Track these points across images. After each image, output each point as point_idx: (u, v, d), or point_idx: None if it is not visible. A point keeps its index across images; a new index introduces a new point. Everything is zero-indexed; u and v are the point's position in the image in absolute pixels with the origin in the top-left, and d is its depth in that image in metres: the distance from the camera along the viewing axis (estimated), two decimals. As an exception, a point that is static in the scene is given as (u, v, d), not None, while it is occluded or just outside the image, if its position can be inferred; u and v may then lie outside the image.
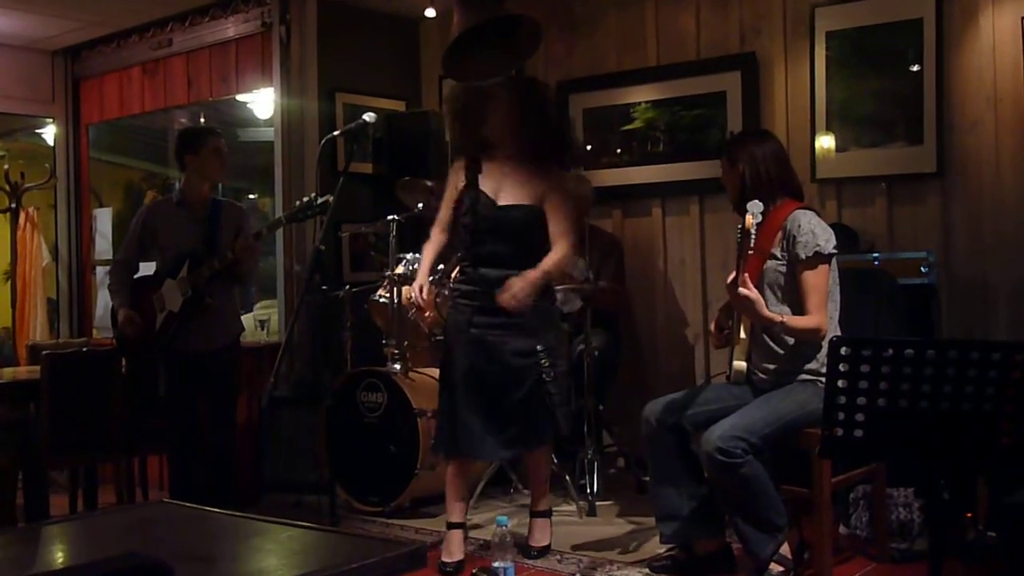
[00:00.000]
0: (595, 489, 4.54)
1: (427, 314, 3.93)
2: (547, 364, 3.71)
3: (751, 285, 3.26)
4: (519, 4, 4.64)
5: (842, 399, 2.35)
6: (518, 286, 3.61)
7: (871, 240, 4.54)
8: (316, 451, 4.72)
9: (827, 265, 3.37)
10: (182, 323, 4.44)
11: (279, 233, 5.31)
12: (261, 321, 5.98)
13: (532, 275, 3.64)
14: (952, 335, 4.26)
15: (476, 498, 4.60)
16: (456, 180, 3.89)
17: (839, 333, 3.37)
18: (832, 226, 3.53)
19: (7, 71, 6.28)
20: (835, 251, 3.38)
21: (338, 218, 5.25)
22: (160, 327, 4.50)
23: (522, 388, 3.70)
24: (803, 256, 3.34)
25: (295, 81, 5.43)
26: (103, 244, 6.49)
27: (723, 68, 4.99)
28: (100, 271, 6.37)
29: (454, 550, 3.78)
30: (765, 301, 3.32)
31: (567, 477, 4.53)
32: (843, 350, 2.33)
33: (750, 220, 3.18)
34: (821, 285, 3.34)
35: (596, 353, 4.68)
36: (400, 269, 4.69)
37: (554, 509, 4.09)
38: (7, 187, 6.44)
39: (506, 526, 3.03)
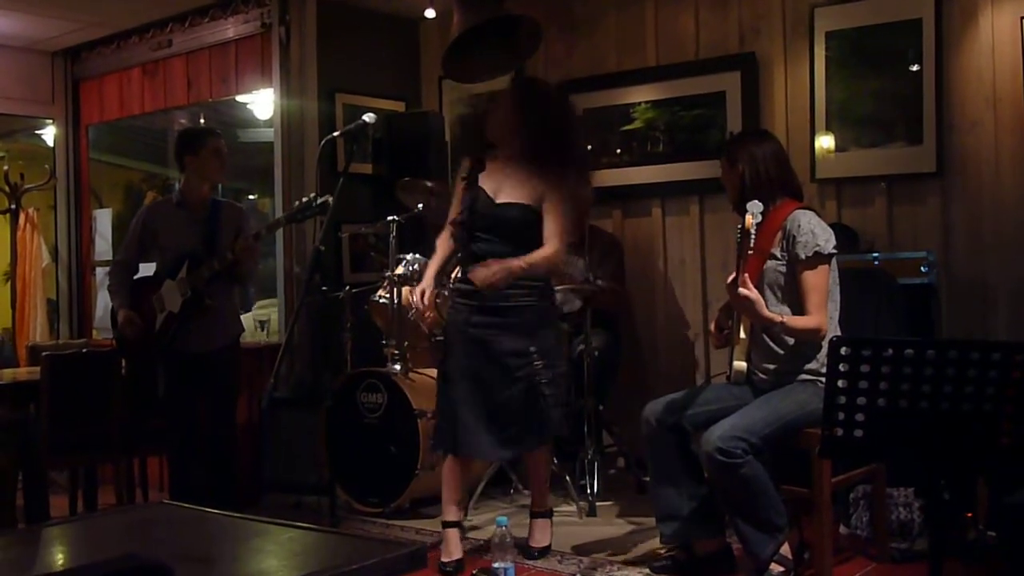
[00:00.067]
0: (595, 489, 4.54)
1: (427, 315, 3.93)
2: (540, 365, 3.70)
3: (751, 285, 3.26)
4: (519, 4, 4.65)
5: (842, 399, 2.35)
6: (495, 267, 3.62)
7: (871, 240, 4.54)
8: (316, 452, 4.72)
9: (827, 265, 3.37)
10: (182, 324, 4.44)
11: (279, 233, 5.31)
12: (261, 322, 5.99)
13: (513, 262, 3.64)
14: (952, 335, 4.26)
15: (476, 498, 4.60)
16: (460, 182, 3.91)
17: (839, 333, 3.37)
18: (832, 226, 3.53)
19: (7, 72, 6.28)
20: (835, 251, 3.38)
21: (338, 219, 5.25)
22: (160, 328, 4.50)
23: (515, 388, 3.71)
24: (803, 256, 3.34)
25: (295, 82, 5.43)
26: (103, 245, 6.49)
27: (723, 68, 4.99)
28: (100, 272, 6.37)
29: (452, 549, 3.78)
30: (765, 301, 3.32)
31: (567, 477, 4.53)
32: (843, 350, 2.33)
33: (750, 220, 3.18)
34: (821, 285, 3.34)
35: (596, 353, 4.68)
36: (400, 270, 4.69)
37: (554, 509, 4.09)
38: (7, 188, 6.45)
39: (506, 526, 3.03)
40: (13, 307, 6.50)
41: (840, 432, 2.37)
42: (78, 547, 1.97)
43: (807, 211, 3.45)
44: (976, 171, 4.37)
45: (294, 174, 5.41)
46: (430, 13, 5.55)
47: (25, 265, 6.53)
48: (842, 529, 3.89)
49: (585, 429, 4.58)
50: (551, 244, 3.70)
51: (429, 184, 4.87)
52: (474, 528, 4.33)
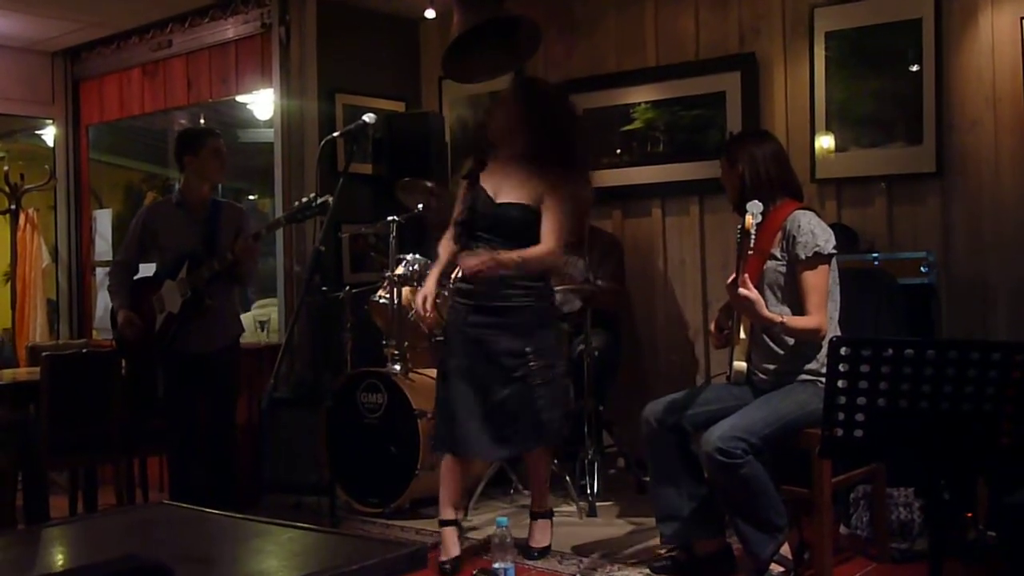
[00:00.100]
0: (595, 490, 4.54)
1: (427, 316, 3.94)
2: (535, 366, 3.70)
3: (751, 285, 3.26)
4: (519, 4, 4.65)
5: (842, 399, 2.35)
6: (486, 256, 3.63)
7: (871, 240, 4.54)
8: (316, 452, 4.71)
9: (827, 265, 3.37)
10: (182, 324, 4.44)
11: (279, 234, 5.32)
12: (261, 322, 5.99)
13: (505, 255, 3.64)
14: (952, 335, 4.26)
15: (476, 498, 4.60)
16: (462, 181, 3.91)
17: (839, 333, 3.37)
18: (832, 226, 3.53)
19: (7, 72, 6.28)
20: (835, 251, 3.38)
21: (338, 219, 5.25)
22: (160, 328, 4.50)
23: (512, 388, 3.70)
24: (803, 256, 3.34)
25: (295, 82, 5.43)
26: (103, 245, 6.49)
27: (722, 68, 4.99)
28: (100, 272, 6.37)
29: (450, 548, 3.79)
30: (765, 301, 3.32)
31: (567, 478, 4.53)
32: (843, 350, 2.33)
33: (750, 220, 3.18)
34: (821, 285, 3.34)
35: (596, 353, 4.68)
36: (400, 270, 4.69)
37: (554, 510, 4.09)
38: (7, 188, 6.44)
39: (506, 527, 3.03)
40: (13, 307, 6.50)
41: (840, 432, 2.37)
42: (78, 548, 1.97)
43: (807, 211, 3.45)
44: (976, 171, 4.37)
45: (294, 174, 5.42)
46: (430, 13, 5.54)
47: (25, 265, 6.53)
48: (842, 529, 3.89)
49: (585, 429, 4.58)
50: (547, 242, 3.70)
51: (429, 184, 4.86)
52: (474, 528, 4.33)
